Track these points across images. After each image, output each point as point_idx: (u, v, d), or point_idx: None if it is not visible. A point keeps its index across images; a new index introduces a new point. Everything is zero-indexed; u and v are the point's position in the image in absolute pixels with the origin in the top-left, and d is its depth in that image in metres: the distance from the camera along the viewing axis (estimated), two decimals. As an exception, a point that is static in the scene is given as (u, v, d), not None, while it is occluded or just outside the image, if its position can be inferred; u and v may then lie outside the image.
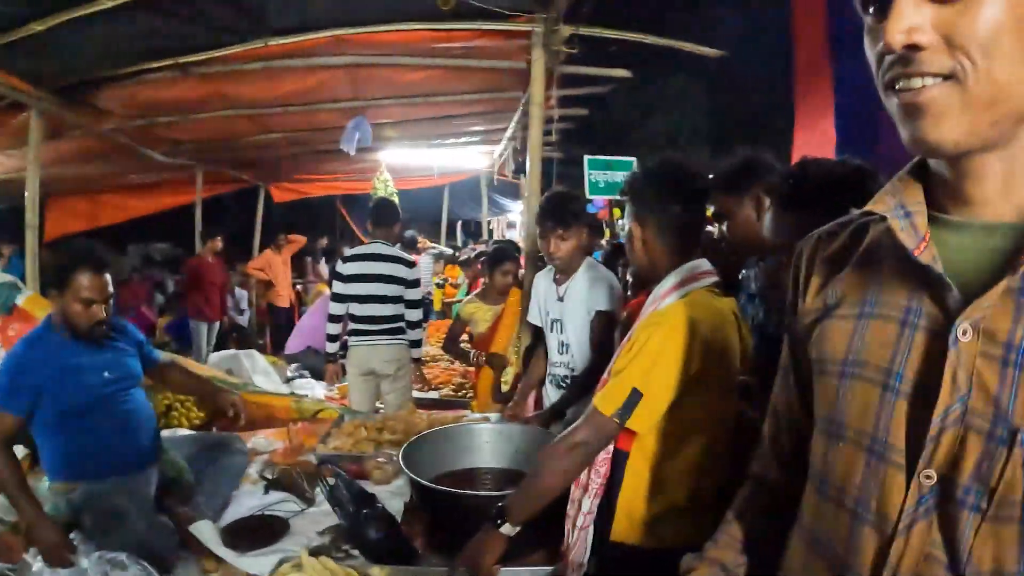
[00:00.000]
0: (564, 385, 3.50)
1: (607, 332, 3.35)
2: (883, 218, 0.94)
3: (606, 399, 1.99)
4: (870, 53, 0.87)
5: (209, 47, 4.74)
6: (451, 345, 5.21)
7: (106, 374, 2.86)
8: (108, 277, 2.81)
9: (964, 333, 0.82)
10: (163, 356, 3.32)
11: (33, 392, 2.71)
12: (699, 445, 2.08)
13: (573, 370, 3.48)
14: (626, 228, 2.29)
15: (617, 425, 1.97)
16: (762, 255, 2.61)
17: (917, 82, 0.80)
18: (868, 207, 0.96)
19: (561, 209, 3.40)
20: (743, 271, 2.71)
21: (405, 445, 2.70)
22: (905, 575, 0.85)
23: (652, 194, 2.19)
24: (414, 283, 5.29)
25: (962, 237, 0.89)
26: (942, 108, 0.79)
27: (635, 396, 1.94)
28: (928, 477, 0.84)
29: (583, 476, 2.14)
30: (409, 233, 10.96)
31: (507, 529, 1.98)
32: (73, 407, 2.77)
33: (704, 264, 2.18)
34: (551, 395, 3.58)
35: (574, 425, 2.03)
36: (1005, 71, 0.78)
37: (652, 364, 1.96)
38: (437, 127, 8.61)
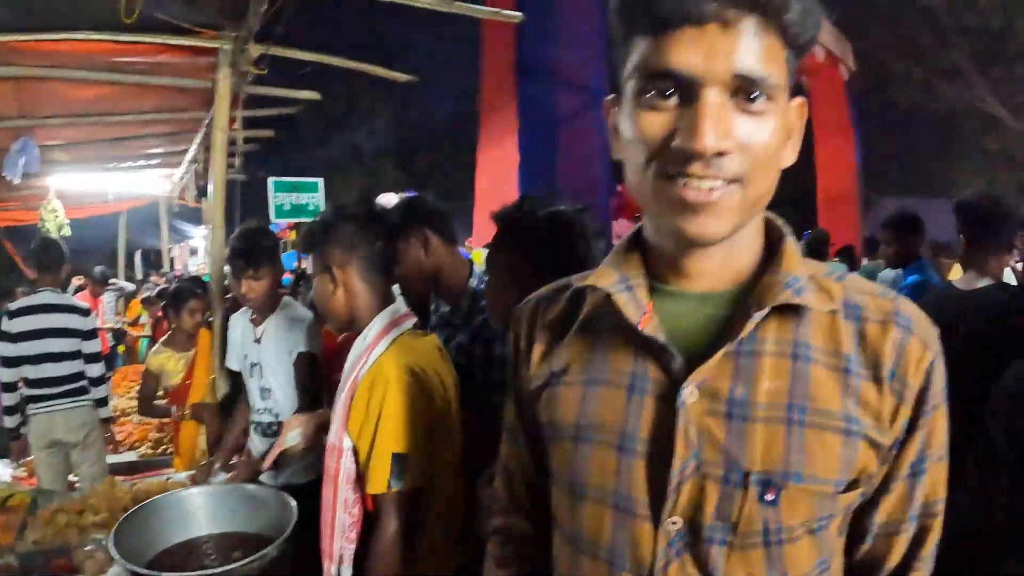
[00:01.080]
0: (271, 433, 3.30)
1: (311, 373, 3.25)
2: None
3: (375, 480, 1.94)
4: (639, 133, 0.89)
5: None
6: (147, 407, 4.71)
7: None
8: None
9: (691, 394, 0.92)
10: None
11: None
12: (447, 483, 2.10)
13: (278, 416, 3.30)
14: (315, 282, 2.23)
15: (400, 492, 1.95)
16: (437, 292, 2.74)
17: (708, 183, 0.85)
18: (590, 281, 1.04)
19: (254, 248, 3.22)
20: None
21: (114, 528, 2.40)
22: None
23: (354, 232, 2.16)
24: (91, 333, 4.80)
25: (681, 306, 0.99)
26: (726, 207, 0.87)
27: (399, 459, 1.93)
28: (674, 523, 0.93)
29: (334, 548, 2.06)
30: (99, 269, 10.04)
31: None
32: None
33: (402, 305, 2.22)
34: (258, 444, 3.37)
35: (379, 524, 1.97)
36: (770, 179, 0.90)
37: (399, 423, 1.94)
38: (112, 149, 7.96)
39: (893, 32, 16.11)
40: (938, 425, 0.96)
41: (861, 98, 14.06)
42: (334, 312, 2.20)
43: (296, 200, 8.71)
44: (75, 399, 4.65)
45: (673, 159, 0.85)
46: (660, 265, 1.01)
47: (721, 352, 0.92)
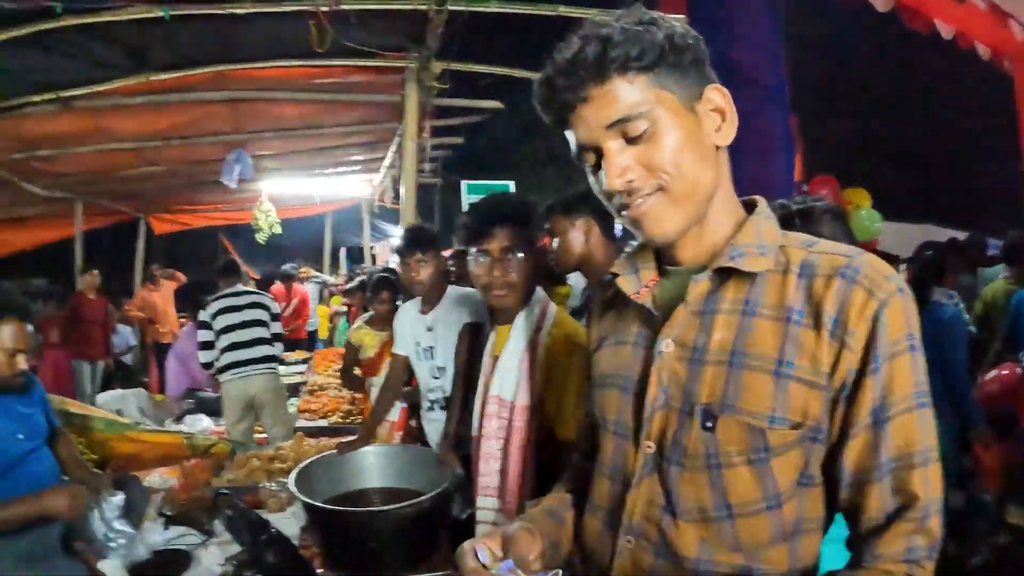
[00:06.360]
0: (442, 406, 3.58)
1: (472, 340, 3.33)
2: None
3: (569, 427, 2.14)
4: (597, 189, 1.19)
5: (91, 82, 4.79)
6: (347, 375, 5.25)
7: (20, 436, 2.70)
8: (30, 325, 2.69)
9: (667, 345, 1.17)
10: (57, 423, 3.08)
11: None
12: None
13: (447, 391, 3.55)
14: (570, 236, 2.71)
15: None
16: (585, 274, 2.95)
17: (638, 201, 1.13)
18: (611, 269, 1.33)
19: (419, 236, 3.58)
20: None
21: (295, 471, 2.77)
22: (638, 516, 1.18)
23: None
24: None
25: (673, 280, 1.24)
26: (658, 211, 1.13)
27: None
28: (649, 446, 1.17)
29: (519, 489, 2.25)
30: (287, 266, 10.93)
31: None
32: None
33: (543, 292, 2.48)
34: (432, 417, 3.65)
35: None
36: (690, 170, 1.12)
37: (582, 381, 2.24)
38: (317, 158, 8.75)
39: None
40: (899, 374, 1.04)
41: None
42: (569, 261, 2.76)
43: (488, 201, 8.99)
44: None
45: (614, 202, 1.16)
46: (663, 254, 1.27)
47: (679, 312, 1.17)
